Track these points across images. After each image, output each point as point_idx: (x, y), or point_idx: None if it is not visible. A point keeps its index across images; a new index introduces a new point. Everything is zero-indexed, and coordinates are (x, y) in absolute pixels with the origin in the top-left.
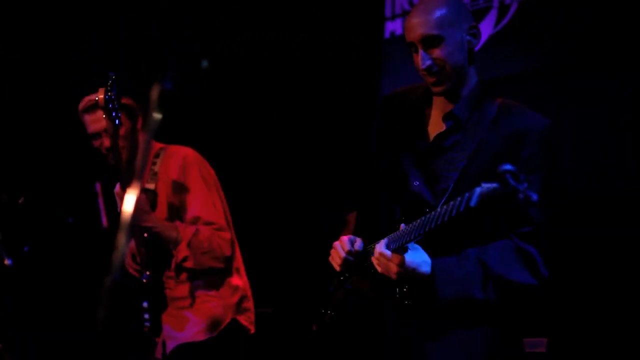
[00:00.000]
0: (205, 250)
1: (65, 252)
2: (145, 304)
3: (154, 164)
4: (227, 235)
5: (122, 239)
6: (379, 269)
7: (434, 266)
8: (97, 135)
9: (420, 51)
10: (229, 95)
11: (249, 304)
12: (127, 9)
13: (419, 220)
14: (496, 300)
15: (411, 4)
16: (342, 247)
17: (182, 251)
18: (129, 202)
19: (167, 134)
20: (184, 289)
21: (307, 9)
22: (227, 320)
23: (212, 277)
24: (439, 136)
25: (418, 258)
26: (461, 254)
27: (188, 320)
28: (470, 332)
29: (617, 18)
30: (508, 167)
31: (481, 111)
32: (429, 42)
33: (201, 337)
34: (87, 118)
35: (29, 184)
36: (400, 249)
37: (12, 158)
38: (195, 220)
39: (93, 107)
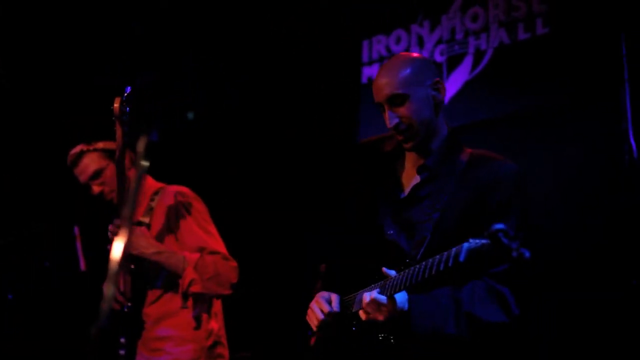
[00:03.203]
0: (211, 275)
1: (42, 296)
2: (122, 340)
3: (152, 200)
4: (234, 263)
5: (110, 287)
6: (366, 315)
7: (409, 302)
8: (93, 178)
9: (387, 110)
10: (214, 136)
11: (224, 350)
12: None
13: (405, 272)
14: (468, 336)
15: (388, 50)
16: (320, 308)
17: (188, 275)
18: (117, 249)
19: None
20: (158, 329)
21: (286, 55)
22: None
23: (188, 318)
24: (416, 187)
25: (402, 297)
26: (436, 290)
27: None
28: None
29: (590, 62)
30: (500, 226)
31: (452, 163)
32: (394, 101)
33: None
34: (76, 171)
35: (3, 228)
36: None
37: None
38: (200, 251)
39: (77, 158)
